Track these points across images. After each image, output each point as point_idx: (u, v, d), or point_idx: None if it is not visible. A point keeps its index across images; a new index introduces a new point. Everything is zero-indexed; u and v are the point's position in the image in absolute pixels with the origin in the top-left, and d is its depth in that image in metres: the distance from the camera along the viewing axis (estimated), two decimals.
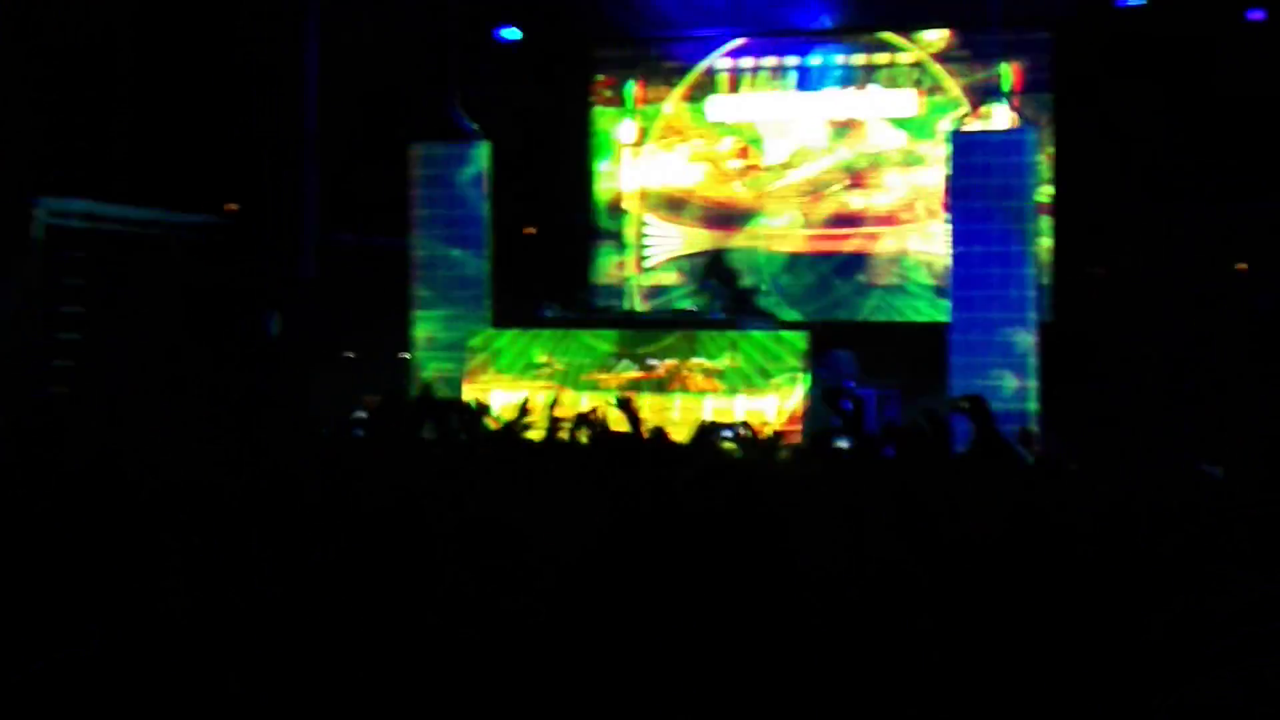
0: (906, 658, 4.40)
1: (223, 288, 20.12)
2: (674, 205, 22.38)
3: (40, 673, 4.77)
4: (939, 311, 19.68)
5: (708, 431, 11.67)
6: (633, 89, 22.60)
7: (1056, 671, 4.44)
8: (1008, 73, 20.10)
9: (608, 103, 22.79)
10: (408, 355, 20.81)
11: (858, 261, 21.42)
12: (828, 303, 21.39)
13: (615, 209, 22.72)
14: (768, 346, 18.30)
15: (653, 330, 18.97)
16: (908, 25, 21.16)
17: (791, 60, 21.85)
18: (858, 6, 21.08)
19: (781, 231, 21.76)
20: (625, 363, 18.56)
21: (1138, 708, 4.21)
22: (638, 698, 4.24)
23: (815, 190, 21.58)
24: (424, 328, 20.56)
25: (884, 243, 21.26)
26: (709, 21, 21.79)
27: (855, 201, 21.41)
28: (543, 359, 18.94)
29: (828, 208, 21.53)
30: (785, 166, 21.80)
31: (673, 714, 4.21)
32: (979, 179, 18.27)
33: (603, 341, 18.80)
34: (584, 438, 8.75)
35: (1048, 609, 4.52)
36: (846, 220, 21.49)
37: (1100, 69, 19.07)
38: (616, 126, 22.72)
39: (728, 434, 12.36)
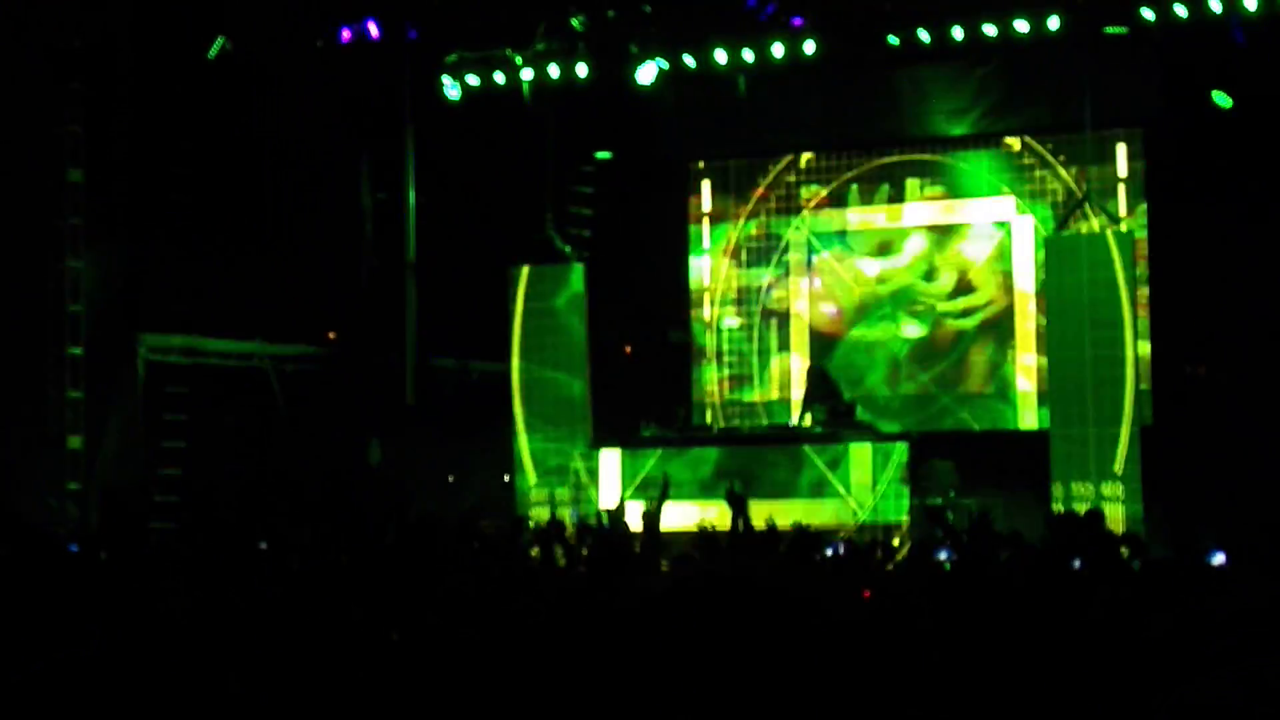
0: None
1: (324, 417, 20.30)
2: (776, 318, 22.32)
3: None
4: (1040, 419, 19.54)
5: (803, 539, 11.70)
6: (728, 206, 22.63)
7: None
8: (1100, 175, 20.04)
9: (703, 219, 22.80)
10: (508, 478, 20.92)
11: (958, 370, 21.24)
12: (931, 413, 21.22)
13: (713, 325, 22.69)
14: (868, 459, 18.25)
15: (754, 447, 19.01)
16: (1001, 133, 21.06)
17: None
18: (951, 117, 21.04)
19: (882, 340, 21.64)
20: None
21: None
22: None
23: (914, 300, 21.47)
24: (526, 449, 20.66)
25: (984, 350, 21.08)
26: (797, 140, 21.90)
27: (955, 309, 21.26)
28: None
29: (928, 315, 21.39)
30: (883, 280, 21.69)
31: None
32: (1072, 282, 18.19)
33: (706, 460, 18.91)
34: None
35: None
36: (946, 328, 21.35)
37: (1191, 167, 18.91)
38: (713, 243, 22.72)
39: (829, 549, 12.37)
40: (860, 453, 18.35)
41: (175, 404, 18.87)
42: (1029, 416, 20.53)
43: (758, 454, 18.83)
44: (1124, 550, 11.70)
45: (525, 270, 21.02)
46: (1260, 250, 18.22)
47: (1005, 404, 20.84)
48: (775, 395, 22.13)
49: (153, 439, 18.67)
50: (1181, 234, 19.24)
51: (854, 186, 21.85)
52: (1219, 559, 11.51)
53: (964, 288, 21.26)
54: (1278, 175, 17.90)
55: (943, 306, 21.29)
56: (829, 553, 11.80)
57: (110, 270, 18.35)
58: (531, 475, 20.58)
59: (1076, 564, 11.91)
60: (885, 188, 21.69)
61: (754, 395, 22.33)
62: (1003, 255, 21.05)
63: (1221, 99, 18.33)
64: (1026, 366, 20.63)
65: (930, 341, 21.36)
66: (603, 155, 22.28)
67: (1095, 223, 19.74)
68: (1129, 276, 18.19)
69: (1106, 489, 17.63)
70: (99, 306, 18.22)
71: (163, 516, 18.15)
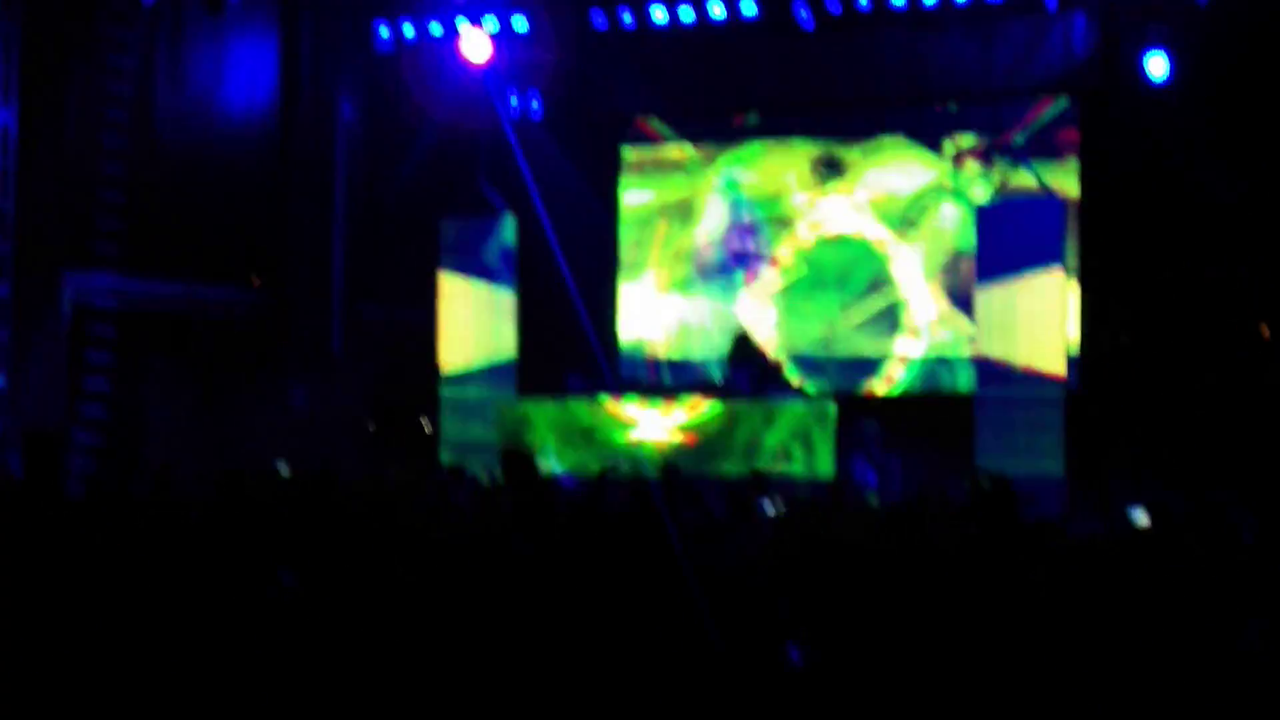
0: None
1: (249, 362, 20.18)
2: (705, 275, 22.36)
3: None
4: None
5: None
6: (658, 157, 22.64)
7: None
8: (1036, 141, 20.14)
9: (633, 173, 22.81)
10: (426, 423, 20.92)
11: (893, 328, 21.32)
12: (866, 374, 21.30)
13: (642, 280, 22.71)
14: (794, 418, 18.33)
15: (679, 398, 19.06)
16: (936, 95, 21.11)
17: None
18: (888, 78, 21.07)
19: (816, 303, 21.70)
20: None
21: None
22: None
23: (851, 261, 21.52)
24: (451, 394, 20.65)
25: (920, 313, 21.14)
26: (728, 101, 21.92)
27: (894, 272, 21.32)
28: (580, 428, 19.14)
29: (864, 278, 21.44)
30: (815, 234, 21.76)
31: None
32: (1006, 249, 18.27)
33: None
34: None
35: None
36: (886, 289, 21.41)
37: (1126, 136, 19.01)
38: (642, 197, 22.73)
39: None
40: (789, 413, 18.41)
41: (101, 345, 18.65)
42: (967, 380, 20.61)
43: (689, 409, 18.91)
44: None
45: (454, 221, 21.01)
46: (1190, 220, 18.37)
47: (943, 368, 20.92)
48: (707, 353, 22.18)
49: (76, 379, 18.46)
50: (1114, 202, 19.38)
51: (785, 149, 21.91)
52: (1143, 519, 11.58)
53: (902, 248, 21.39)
54: (1212, 145, 18.02)
55: (879, 271, 21.39)
56: (768, 510, 11.80)
57: (38, 210, 18.09)
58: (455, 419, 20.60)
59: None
60: (819, 150, 21.76)
61: (685, 352, 22.39)
62: (938, 220, 21.14)
63: (1157, 69, 18.40)
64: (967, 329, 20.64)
65: (867, 305, 21.43)
66: (535, 109, 22.21)
67: (1027, 187, 19.85)
68: (1060, 243, 18.27)
69: (1030, 453, 17.70)
70: (26, 246, 17.97)
71: (84, 457, 18.00)
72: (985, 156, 20.82)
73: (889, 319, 21.28)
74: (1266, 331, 18.43)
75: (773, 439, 18.30)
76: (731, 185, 22.24)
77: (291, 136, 21.20)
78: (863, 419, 18.98)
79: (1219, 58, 18.00)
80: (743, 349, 19.87)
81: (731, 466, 18.05)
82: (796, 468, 18.04)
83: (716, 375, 20.00)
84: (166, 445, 18.08)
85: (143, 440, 18.70)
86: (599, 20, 20.90)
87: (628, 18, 20.75)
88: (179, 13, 19.85)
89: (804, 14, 20.05)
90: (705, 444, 18.55)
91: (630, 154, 22.89)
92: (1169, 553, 8.50)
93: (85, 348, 18.57)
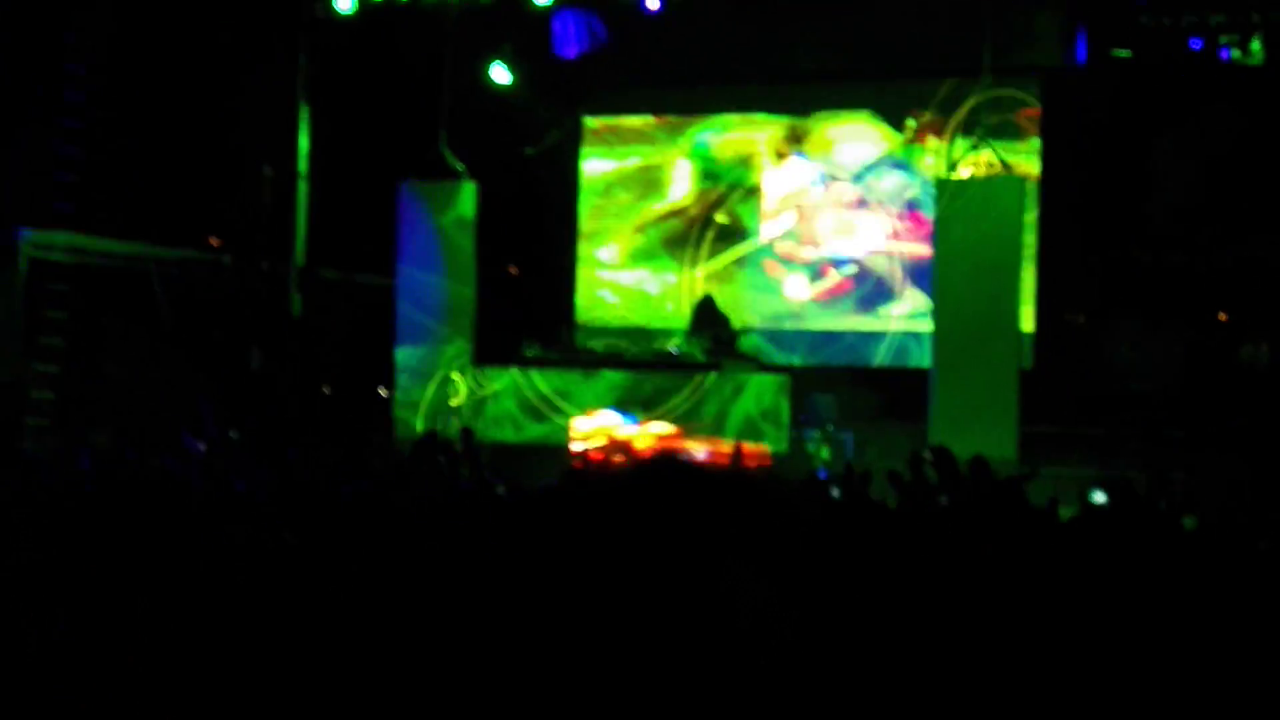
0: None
1: (206, 322, 20.12)
2: (664, 244, 22.42)
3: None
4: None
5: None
6: (620, 125, 22.67)
7: None
8: (997, 120, 20.19)
9: (595, 142, 22.84)
10: (384, 391, 20.86)
11: (865, 304, 21.42)
12: (838, 348, 21.40)
13: (603, 249, 22.75)
14: (748, 388, 18.40)
15: (642, 371, 19.10)
16: (900, 75, 21.19)
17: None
18: (854, 54, 21.13)
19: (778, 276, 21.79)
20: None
21: None
22: None
23: (817, 234, 21.61)
24: (407, 359, 20.55)
25: (886, 288, 21.25)
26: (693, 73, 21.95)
27: (859, 245, 21.43)
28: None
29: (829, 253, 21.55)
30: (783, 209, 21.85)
31: None
32: (963, 225, 18.32)
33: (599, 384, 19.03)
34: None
35: None
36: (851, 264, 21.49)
37: (1088, 118, 19.11)
38: (604, 165, 22.76)
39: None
40: (755, 385, 18.51)
41: (56, 302, 18.59)
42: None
43: (654, 379, 18.95)
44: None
45: (416, 186, 20.94)
46: (1147, 203, 18.48)
47: (912, 342, 20.97)
48: (665, 321, 22.23)
49: (32, 335, 18.39)
50: (1073, 183, 19.48)
51: (749, 122, 21.98)
52: (1100, 498, 11.70)
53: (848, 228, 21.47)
54: (1170, 130, 18.13)
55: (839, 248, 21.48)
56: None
57: None
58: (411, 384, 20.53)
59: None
60: (783, 124, 21.84)
61: (644, 319, 22.47)
62: (900, 195, 21.24)
63: (1121, 52, 18.52)
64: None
65: (831, 279, 21.55)
66: (500, 78, 22.15)
67: (988, 166, 19.90)
68: (1018, 222, 18.35)
69: (984, 429, 17.77)
70: None
71: (38, 413, 17.96)
72: (947, 133, 20.90)
73: (857, 293, 21.37)
74: (1224, 315, 18.59)
75: (739, 412, 18.38)
76: (698, 153, 22.29)
77: (251, 97, 21.12)
78: (815, 394, 19.06)
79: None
80: (705, 315, 19.93)
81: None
82: (769, 443, 18.12)
83: (677, 346, 19.98)
84: (122, 405, 18.01)
85: (98, 399, 18.64)
86: None
87: None
88: None
89: None
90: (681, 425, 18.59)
91: (592, 123, 22.90)
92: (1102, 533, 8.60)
93: (42, 305, 18.50)
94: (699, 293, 21.39)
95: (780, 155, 21.84)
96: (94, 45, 19.04)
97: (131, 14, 19.66)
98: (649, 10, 20.18)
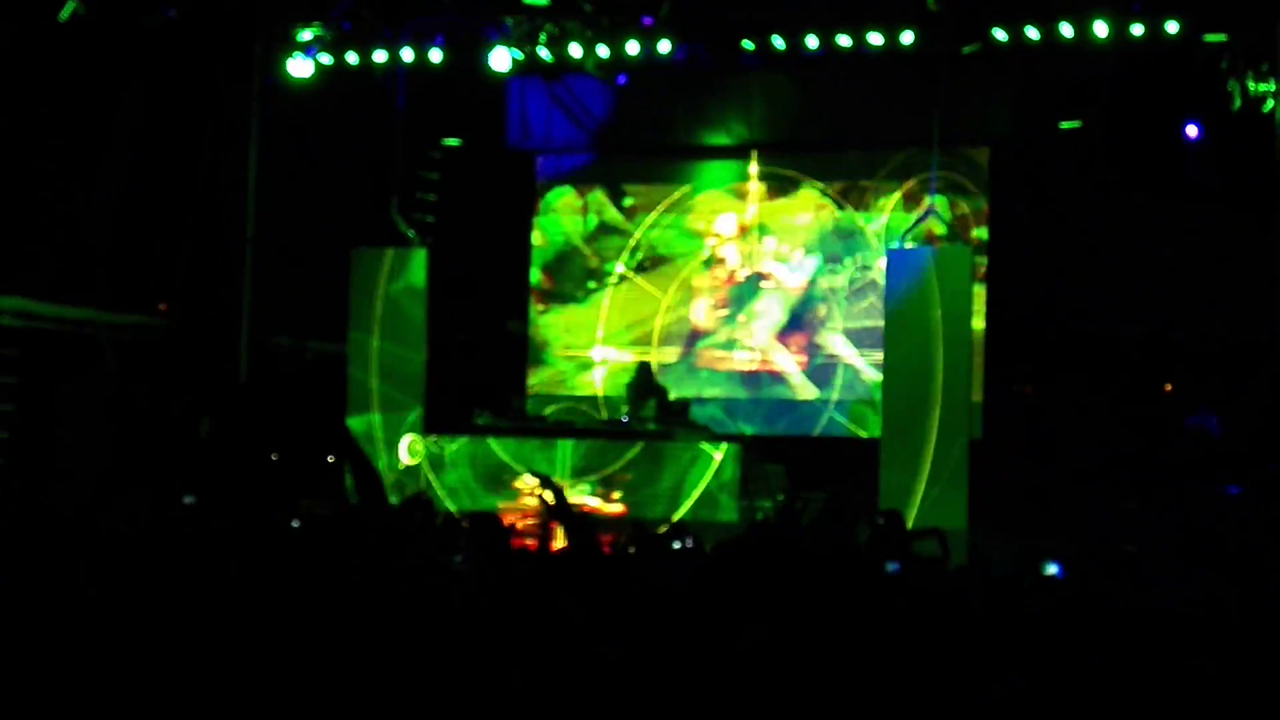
0: None
1: (155, 389, 20.04)
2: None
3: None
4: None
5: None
6: (572, 199, 22.73)
7: None
8: (943, 198, 20.33)
9: (546, 212, 22.88)
10: (332, 458, 20.75)
11: (814, 377, 21.50)
12: (787, 420, 21.45)
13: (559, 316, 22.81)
14: (702, 458, 18.43)
15: (592, 440, 19.10)
16: (848, 147, 21.37)
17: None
18: (799, 128, 21.32)
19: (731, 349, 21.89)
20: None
21: None
22: None
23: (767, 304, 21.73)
24: (358, 426, 20.49)
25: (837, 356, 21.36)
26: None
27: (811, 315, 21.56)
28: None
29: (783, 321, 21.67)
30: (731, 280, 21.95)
31: None
32: (912, 294, 18.41)
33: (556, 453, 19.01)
34: None
35: None
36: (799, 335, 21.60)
37: (1036, 189, 19.30)
38: (558, 235, 22.81)
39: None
40: (687, 452, 18.54)
41: (6, 367, 18.51)
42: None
43: (611, 448, 18.94)
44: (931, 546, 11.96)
45: (367, 252, 20.89)
46: (1096, 275, 18.65)
47: (869, 409, 21.03)
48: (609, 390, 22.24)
49: None
50: (1021, 253, 19.63)
51: (701, 190, 22.11)
52: (1052, 570, 11.74)
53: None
54: (1118, 200, 18.32)
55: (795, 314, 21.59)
56: (678, 545, 11.85)
57: None
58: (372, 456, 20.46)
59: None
60: (734, 191, 21.97)
61: (592, 389, 22.46)
62: (853, 264, 21.39)
63: (1069, 124, 18.72)
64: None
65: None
66: (451, 142, 22.21)
67: (936, 236, 20.04)
68: (967, 292, 18.47)
69: (935, 499, 17.84)
70: None
71: None
72: (893, 203, 21.08)
73: (810, 362, 21.48)
74: (1169, 387, 18.74)
75: (694, 482, 18.40)
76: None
77: (201, 162, 21.10)
78: (765, 463, 19.11)
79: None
80: (642, 382, 19.96)
81: (658, 510, 18.14)
82: (725, 515, 18.15)
83: (625, 415, 19.98)
84: (72, 470, 17.94)
85: (48, 464, 18.55)
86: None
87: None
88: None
89: (719, 56, 20.14)
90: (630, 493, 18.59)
91: (550, 196, 22.96)
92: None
93: None
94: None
95: (733, 228, 21.95)
96: (48, 111, 19.04)
97: (81, 80, 19.66)
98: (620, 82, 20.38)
